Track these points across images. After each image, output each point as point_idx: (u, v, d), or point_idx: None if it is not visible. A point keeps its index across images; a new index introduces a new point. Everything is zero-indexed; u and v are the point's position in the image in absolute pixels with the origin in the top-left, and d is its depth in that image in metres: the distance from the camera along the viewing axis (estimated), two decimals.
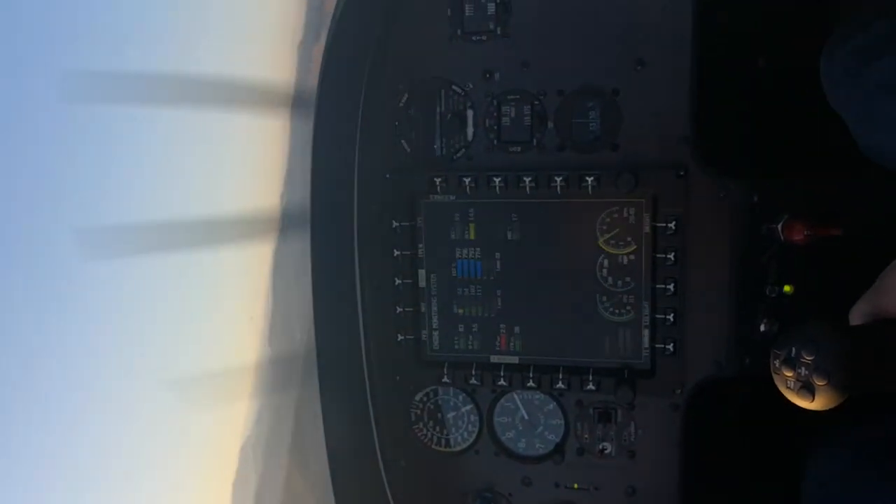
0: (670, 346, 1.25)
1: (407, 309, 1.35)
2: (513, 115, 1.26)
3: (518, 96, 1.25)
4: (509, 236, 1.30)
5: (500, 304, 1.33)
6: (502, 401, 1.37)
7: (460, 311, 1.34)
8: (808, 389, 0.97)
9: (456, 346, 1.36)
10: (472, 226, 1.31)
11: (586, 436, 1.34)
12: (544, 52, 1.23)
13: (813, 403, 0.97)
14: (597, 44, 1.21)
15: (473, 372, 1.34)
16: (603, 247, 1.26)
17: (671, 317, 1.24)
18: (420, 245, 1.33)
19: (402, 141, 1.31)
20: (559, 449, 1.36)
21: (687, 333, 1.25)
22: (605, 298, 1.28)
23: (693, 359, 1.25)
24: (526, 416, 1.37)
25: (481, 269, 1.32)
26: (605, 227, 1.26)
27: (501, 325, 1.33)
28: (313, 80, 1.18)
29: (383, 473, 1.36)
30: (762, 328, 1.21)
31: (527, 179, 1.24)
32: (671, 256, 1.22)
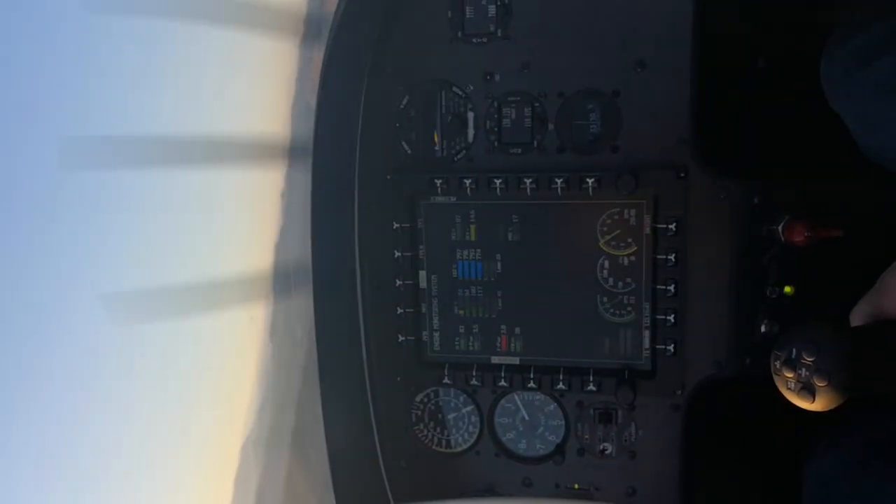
0: (671, 347, 1.25)
1: (408, 310, 1.35)
2: (513, 116, 1.26)
3: (518, 98, 1.25)
4: (510, 237, 1.30)
5: (500, 305, 1.33)
6: (503, 401, 1.37)
7: (461, 312, 1.35)
8: (808, 390, 0.97)
9: (457, 347, 1.36)
10: (472, 227, 1.31)
11: (587, 436, 1.34)
12: (545, 53, 1.23)
13: (813, 404, 0.97)
14: (597, 45, 1.21)
15: (474, 373, 1.34)
16: (603, 248, 1.27)
17: (672, 317, 1.24)
18: (421, 246, 1.34)
19: (403, 142, 1.31)
20: (560, 450, 1.36)
21: (687, 334, 1.25)
22: (605, 299, 1.28)
23: (693, 359, 1.25)
24: (526, 417, 1.37)
25: (482, 270, 1.32)
26: (605, 229, 1.26)
27: (502, 326, 1.33)
28: (314, 81, 1.18)
29: (384, 474, 1.36)
30: (763, 329, 1.21)
31: (527, 181, 1.24)
32: (672, 257, 1.22)
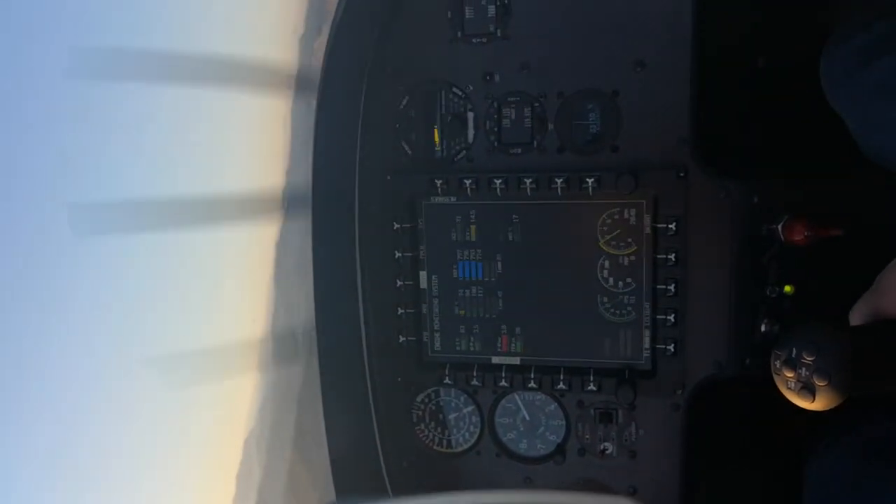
0: (671, 347, 1.25)
1: (408, 310, 1.35)
2: (513, 116, 1.26)
3: (518, 98, 1.25)
4: (510, 238, 1.30)
5: (501, 305, 1.33)
6: (503, 402, 1.37)
7: (461, 312, 1.35)
8: (808, 390, 0.97)
9: (457, 348, 1.36)
10: (472, 227, 1.31)
11: (587, 436, 1.34)
12: (544, 54, 1.23)
13: (813, 404, 0.97)
14: (596, 45, 1.21)
15: (475, 373, 1.34)
16: (604, 248, 1.27)
17: (672, 317, 1.24)
18: (421, 246, 1.34)
19: (403, 143, 1.31)
20: (560, 449, 1.36)
21: (688, 334, 1.25)
22: (605, 299, 1.28)
23: (694, 359, 1.25)
24: (527, 417, 1.37)
25: (482, 270, 1.32)
26: (605, 229, 1.26)
27: (502, 326, 1.33)
28: (314, 82, 1.19)
29: (385, 475, 1.36)
30: (763, 329, 1.21)
31: (527, 181, 1.24)
32: (672, 257, 1.22)
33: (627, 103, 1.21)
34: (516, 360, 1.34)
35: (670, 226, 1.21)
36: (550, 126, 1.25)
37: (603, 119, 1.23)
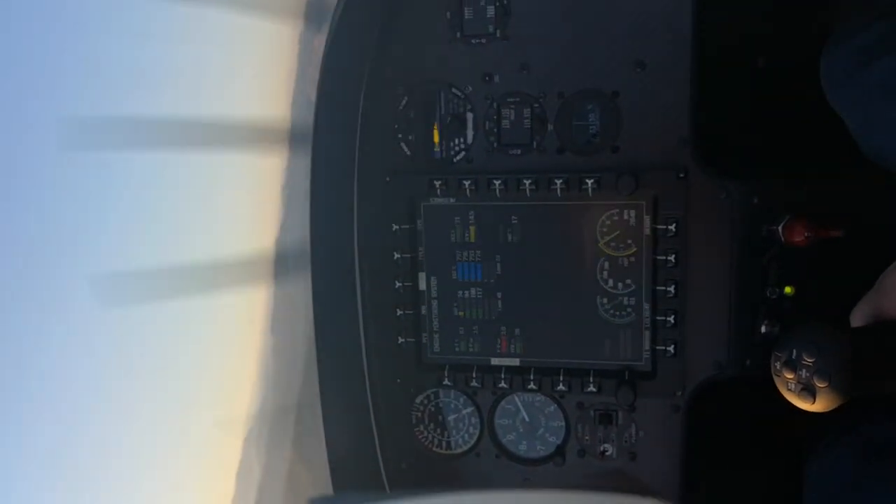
0: (671, 348, 1.25)
1: (407, 312, 1.35)
2: (512, 117, 1.26)
3: (518, 99, 1.25)
4: (509, 239, 1.30)
5: (500, 306, 1.33)
6: (503, 403, 1.37)
7: (461, 313, 1.34)
8: (808, 391, 0.96)
9: (456, 349, 1.36)
10: (472, 228, 1.31)
11: (587, 437, 1.34)
12: (544, 54, 1.23)
13: (814, 405, 0.97)
14: (596, 46, 1.21)
15: (474, 374, 1.34)
16: (603, 249, 1.26)
17: (672, 318, 1.24)
18: (420, 248, 1.33)
19: (402, 144, 1.31)
20: (560, 451, 1.35)
21: (687, 335, 1.24)
22: (605, 300, 1.28)
23: (694, 360, 1.25)
24: (527, 419, 1.36)
25: (482, 271, 1.32)
26: (605, 230, 1.26)
27: (502, 328, 1.33)
28: (312, 84, 1.19)
29: (384, 476, 1.36)
30: (763, 330, 1.21)
31: (527, 182, 1.24)
32: (672, 258, 1.22)
33: (627, 104, 1.21)
34: (516, 362, 1.34)
35: (670, 227, 1.21)
36: (550, 127, 1.25)
37: (603, 120, 1.23)
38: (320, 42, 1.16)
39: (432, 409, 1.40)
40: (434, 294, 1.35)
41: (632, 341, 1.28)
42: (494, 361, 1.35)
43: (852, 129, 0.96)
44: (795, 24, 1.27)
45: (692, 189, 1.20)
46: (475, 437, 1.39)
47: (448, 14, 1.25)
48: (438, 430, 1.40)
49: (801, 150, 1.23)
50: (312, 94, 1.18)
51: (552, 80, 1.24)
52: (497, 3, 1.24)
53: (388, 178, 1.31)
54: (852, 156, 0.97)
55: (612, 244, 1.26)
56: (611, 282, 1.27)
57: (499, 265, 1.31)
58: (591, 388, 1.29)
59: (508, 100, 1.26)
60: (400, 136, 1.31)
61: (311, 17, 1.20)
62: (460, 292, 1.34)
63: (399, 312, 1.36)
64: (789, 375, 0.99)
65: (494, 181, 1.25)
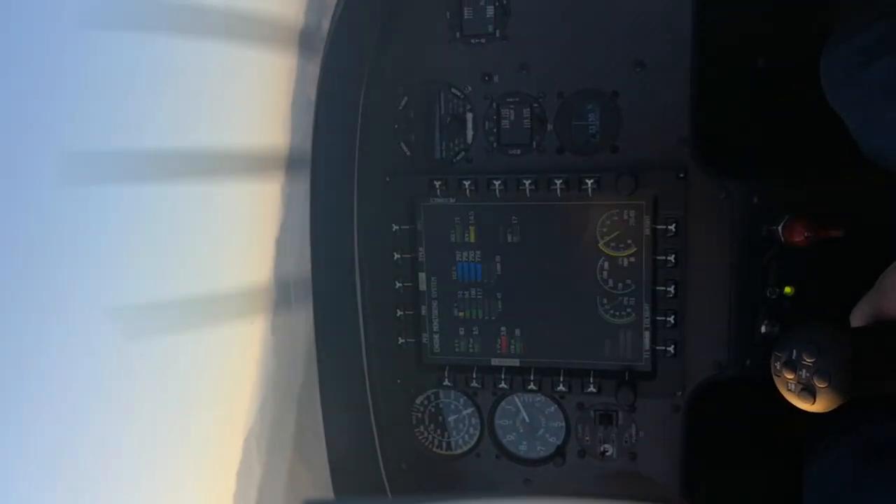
0: (671, 348, 1.25)
1: (407, 312, 1.35)
2: (512, 117, 1.26)
3: (517, 99, 1.25)
4: (509, 239, 1.30)
5: (500, 306, 1.33)
6: (503, 403, 1.37)
7: (461, 314, 1.34)
8: (809, 392, 0.96)
9: (457, 349, 1.36)
10: (472, 229, 1.31)
11: (587, 438, 1.33)
12: (543, 54, 1.23)
13: (814, 406, 0.97)
14: (596, 46, 1.21)
15: (474, 375, 1.34)
16: (603, 249, 1.26)
17: (672, 319, 1.24)
18: (420, 248, 1.33)
19: (402, 144, 1.31)
20: (560, 451, 1.35)
21: (687, 335, 1.24)
22: (605, 301, 1.28)
23: (694, 360, 1.25)
24: (527, 419, 1.36)
25: (482, 271, 1.32)
26: (605, 230, 1.26)
27: (502, 328, 1.33)
28: (313, 84, 1.19)
29: (384, 477, 1.36)
30: (763, 330, 1.21)
31: (527, 182, 1.24)
32: (671, 258, 1.22)
33: (627, 104, 1.21)
34: (516, 362, 1.34)
35: (670, 227, 1.21)
36: (550, 127, 1.25)
37: (602, 120, 1.23)
38: (320, 40, 1.16)
39: (432, 409, 1.40)
40: (434, 294, 1.35)
41: (632, 341, 1.28)
42: (494, 362, 1.35)
43: (852, 129, 0.96)
44: (795, 24, 1.27)
45: (692, 189, 1.20)
46: (475, 438, 1.39)
47: (448, 14, 1.25)
48: (439, 431, 1.40)
49: (801, 150, 1.23)
50: (311, 99, 1.19)
51: (552, 79, 1.24)
52: (496, 3, 1.24)
53: (387, 179, 1.31)
54: (852, 156, 0.97)
55: (612, 244, 1.26)
56: (611, 282, 1.27)
57: (499, 265, 1.31)
58: (592, 389, 1.29)
59: (508, 100, 1.26)
60: (400, 136, 1.31)
61: (310, 23, 1.20)
62: (460, 293, 1.34)
63: (399, 313, 1.36)
64: (789, 376, 0.99)
65: (494, 181, 1.25)
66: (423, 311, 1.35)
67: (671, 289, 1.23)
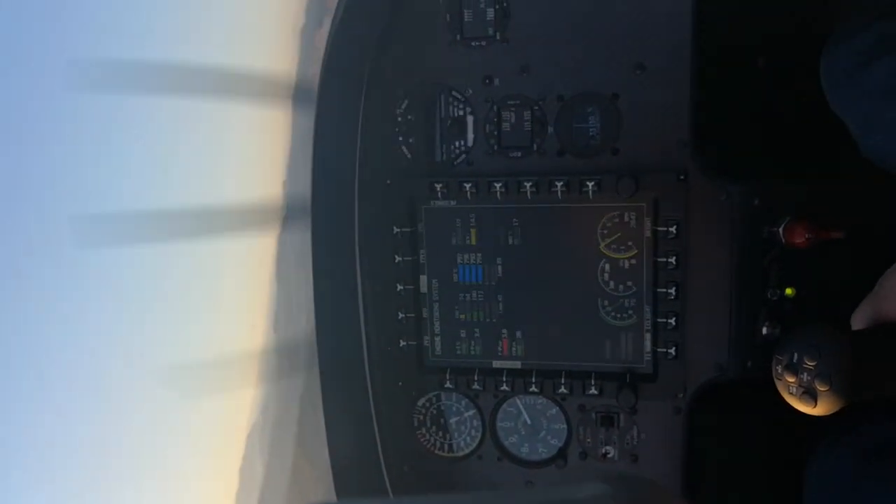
0: (672, 350, 1.25)
1: (409, 315, 1.35)
2: (513, 120, 1.26)
3: (518, 101, 1.26)
4: (510, 241, 1.30)
5: (501, 309, 1.33)
6: (505, 406, 1.36)
7: (462, 316, 1.34)
8: (810, 395, 0.96)
9: (458, 352, 1.36)
10: (473, 231, 1.31)
11: (589, 440, 1.33)
12: (544, 57, 1.23)
13: (816, 409, 0.96)
14: (596, 48, 1.21)
15: (476, 377, 1.34)
16: (604, 251, 1.26)
17: (673, 320, 1.24)
18: (421, 251, 1.34)
19: (403, 147, 1.31)
20: (562, 453, 1.35)
21: (688, 337, 1.24)
22: (606, 303, 1.28)
23: (695, 362, 1.25)
24: (528, 421, 1.36)
25: (482, 274, 1.32)
26: (606, 232, 1.25)
27: (503, 330, 1.33)
28: (313, 85, 1.19)
29: (386, 479, 1.36)
30: (764, 331, 1.20)
31: (527, 184, 1.24)
32: (672, 260, 1.22)
33: (627, 106, 1.21)
34: (517, 364, 1.34)
35: (671, 229, 1.21)
36: (550, 129, 1.25)
37: (603, 122, 1.23)
38: (320, 40, 1.16)
39: (434, 411, 1.40)
40: (435, 297, 1.35)
41: (633, 343, 1.28)
42: (496, 364, 1.35)
43: (852, 130, 0.95)
44: (795, 24, 1.26)
45: (692, 191, 1.20)
46: (477, 440, 1.39)
47: (448, 16, 1.26)
48: (440, 433, 1.40)
49: (801, 150, 1.22)
50: (312, 100, 1.19)
51: (552, 82, 1.24)
52: (497, 6, 1.24)
53: (388, 181, 1.31)
54: (852, 156, 0.96)
55: (613, 246, 1.26)
56: (611, 284, 1.27)
57: (500, 267, 1.31)
58: (593, 391, 1.28)
59: (508, 102, 1.26)
60: (400, 138, 1.31)
61: (310, 23, 1.21)
62: (461, 295, 1.34)
63: (400, 315, 1.36)
64: (791, 379, 0.98)
65: (495, 183, 1.26)
66: (425, 313, 1.35)
67: (672, 290, 1.23)
